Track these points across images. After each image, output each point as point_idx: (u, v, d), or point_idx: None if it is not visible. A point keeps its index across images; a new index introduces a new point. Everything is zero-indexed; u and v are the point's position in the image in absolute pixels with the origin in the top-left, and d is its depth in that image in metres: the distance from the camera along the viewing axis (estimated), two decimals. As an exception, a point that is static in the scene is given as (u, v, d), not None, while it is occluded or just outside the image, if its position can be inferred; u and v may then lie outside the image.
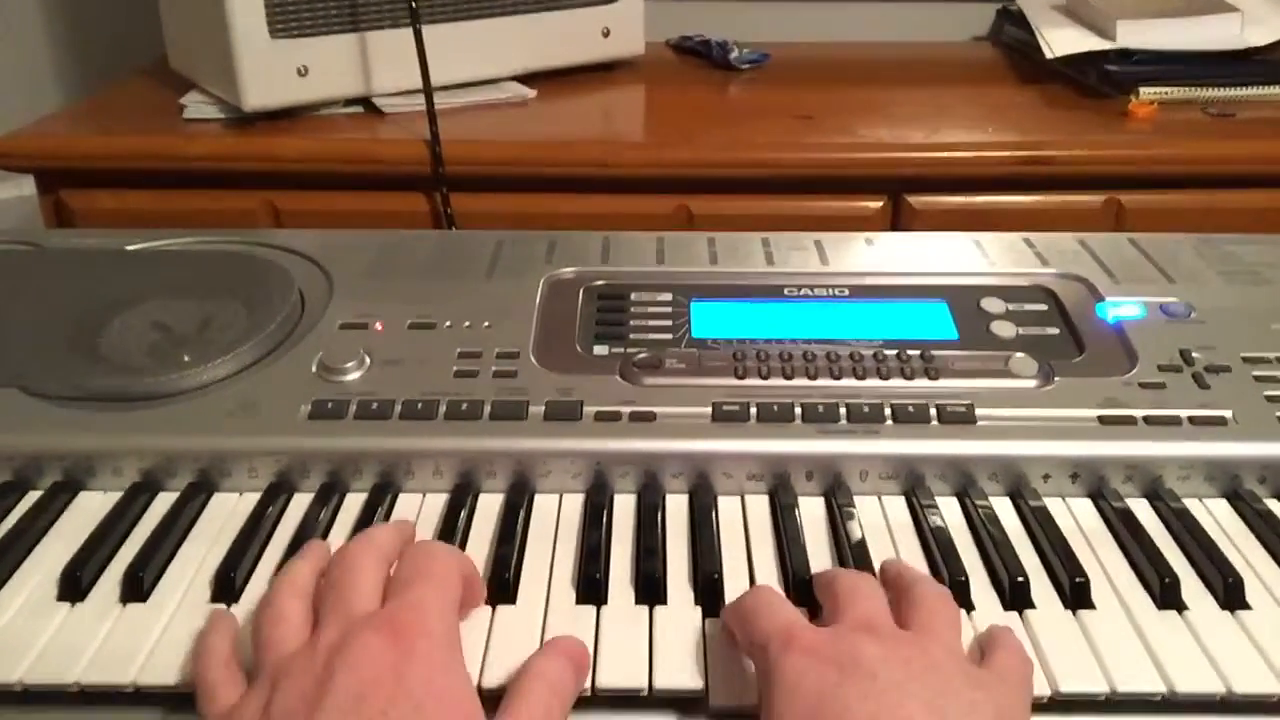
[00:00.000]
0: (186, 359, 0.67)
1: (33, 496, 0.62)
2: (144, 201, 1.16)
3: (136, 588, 0.55)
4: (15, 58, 1.66)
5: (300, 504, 0.62)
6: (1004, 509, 0.62)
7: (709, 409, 0.64)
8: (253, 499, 0.62)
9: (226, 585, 0.55)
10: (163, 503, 0.62)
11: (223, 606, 0.54)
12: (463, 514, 0.60)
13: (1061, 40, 1.32)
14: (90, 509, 0.61)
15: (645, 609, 0.54)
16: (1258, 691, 0.49)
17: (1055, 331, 0.72)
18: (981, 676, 0.46)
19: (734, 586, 0.55)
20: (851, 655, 0.44)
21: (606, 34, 1.36)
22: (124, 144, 1.16)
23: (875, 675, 0.43)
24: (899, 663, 0.44)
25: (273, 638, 0.47)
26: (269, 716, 0.43)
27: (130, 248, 0.82)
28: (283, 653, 0.46)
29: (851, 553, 0.57)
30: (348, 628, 0.45)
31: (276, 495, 0.62)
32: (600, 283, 0.77)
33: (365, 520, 0.60)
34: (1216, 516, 0.61)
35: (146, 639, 0.52)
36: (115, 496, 0.62)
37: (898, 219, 1.17)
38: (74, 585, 0.55)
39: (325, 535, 0.60)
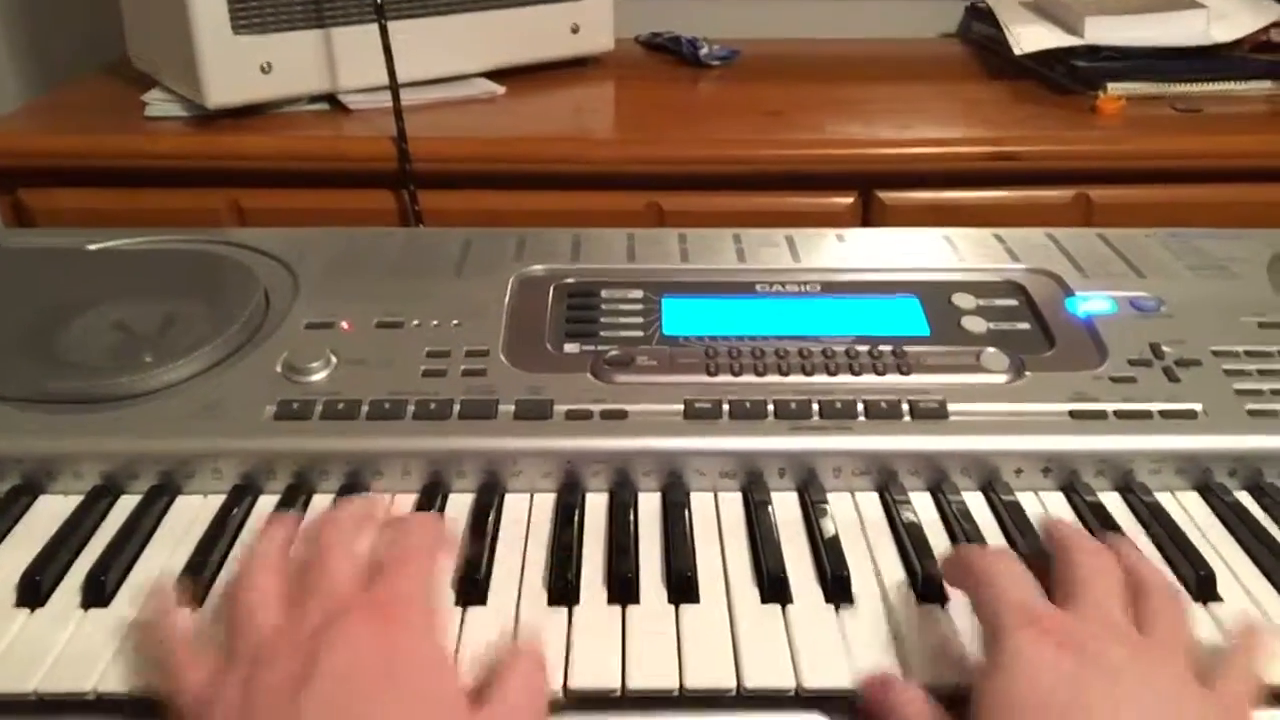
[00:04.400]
0: (148, 360, 0.66)
1: (-9, 501, 0.61)
2: (105, 200, 1.14)
3: (98, 592, 0.54)
4: (-27, 55, 1.64)
5: (266, 506, 0.61)
6: (977, 503, 0.62)
7: (681, 406, 0.64)
8: (217, 501, 0.61)
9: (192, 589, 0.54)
10: (125, 506, 0.61)
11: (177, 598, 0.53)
12: (432, 514, 0.59)
13: (1030, 37, 1.33)
14: (50, 513, 0.60)
15: (618, 608, 0.53)
16: (1231, 684, 0.49)
17: (1026, 326, 0.72)
18: (1213, 706, 0.44)
19: (708, 585, 0.55)
20: (1095, 650, 0.43)
21: (576, 30, 1.36)
22: (84, 142, 1.14)
23: (1117, 677, 0.42)
24: (1141, 671, 0.43)
25: (252, 616, 0.47)
26: (251, 694, 0.42)
27: (91, 247, 0.81)
28: (263, 631, 0.46)
29: (825, 548, 0.57)
30: (332, 610, 0.45)
31: (242, 497, 0.61)
32: (570, 280, 0.77)
33: (333, 522, 0.59)
34: (1188, 509, 0.62)
35: (108, 645, 0.51)
36: (76, 500, 0.61)
37: (868, 215, 1.17)
38: (33, 591, 0.54)
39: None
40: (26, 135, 1.17)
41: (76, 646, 0.51)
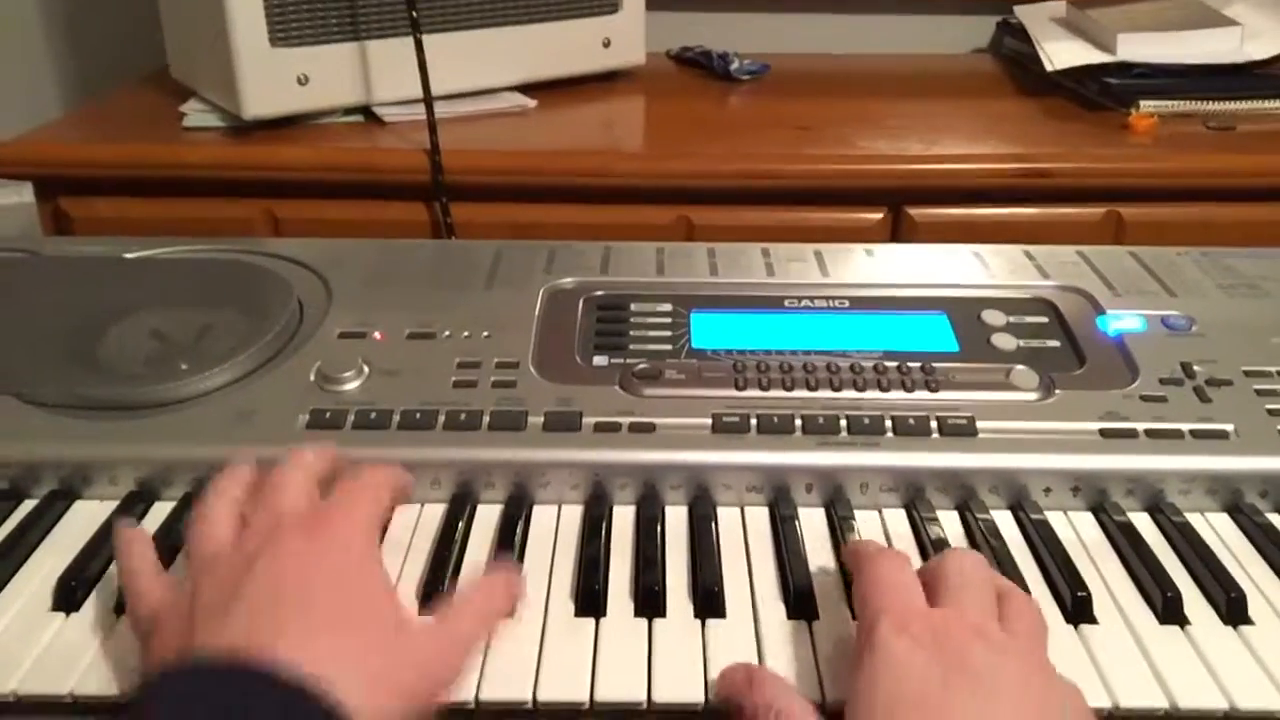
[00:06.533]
0: (184, 367, 0.67)
1: (28, 505, 0.62)
2: (143, 209, 1.16)
3: (132, 598, 0.54)
4: (16, 64, 1.66)
5: (297, 514, 0.61)
6: (1005, 522, 0.61)
7: (709, 420, 0.64)
8: (250, 509, 0.62)
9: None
10: (160, 512, 0.62)
11: (131, 520, 0.58)
12: (460, 524, 0.60)
13: (1062, 53, 1.32)
14: (86, 517, 0.61)
15: (644, 621, 0.53)
16: (1261, 708, 0.49)
17: (1056, 344, 0.72)
18: (1074, 698, 0.46)
19: (734, 599, 0.55)
20: (961, 655, 0.44)
21: (607, 44, 1.36)
22: (124, 152, 1.16)
23: (981, 679, 0.44)
24: (1005, 672, 0.44)
25: (202, 537, 0.50)
26: (193, 607, 0.45)
27: (128, 256, 0.82)
28: (210, 551, 0.49)
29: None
30: (273, 527, 0.48)
31: (274, 505, 0.62)
32: (600, 293, 0.77)
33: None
34: (1218, 530, 0.61)
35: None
36: (111, 505, 0.62)
37: (898, 230, 1.17)
38: (68, 596, 0.55)
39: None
40: (67, 144, 1.18)
41: (110, 651, 0.51)
